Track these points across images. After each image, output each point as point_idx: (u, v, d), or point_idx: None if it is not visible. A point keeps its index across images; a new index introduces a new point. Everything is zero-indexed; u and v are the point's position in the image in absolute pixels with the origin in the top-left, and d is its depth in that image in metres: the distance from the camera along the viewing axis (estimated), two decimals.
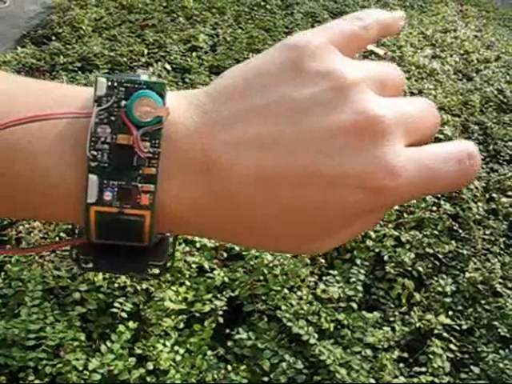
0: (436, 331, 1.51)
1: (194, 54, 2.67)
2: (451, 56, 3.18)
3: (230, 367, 1.31)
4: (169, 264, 0.28)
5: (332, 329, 1.42)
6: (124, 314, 1.34)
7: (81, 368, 1.22)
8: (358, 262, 1.63)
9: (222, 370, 1.30)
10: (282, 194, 0.24)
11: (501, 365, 1.43)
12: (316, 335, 1.38)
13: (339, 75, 0.25)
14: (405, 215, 1.86)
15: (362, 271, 1.60)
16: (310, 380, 1.34)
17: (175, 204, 0.25)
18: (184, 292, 1.43)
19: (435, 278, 1.67)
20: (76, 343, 1.27)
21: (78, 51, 2.56)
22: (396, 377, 1.38)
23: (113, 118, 0.24)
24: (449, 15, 4.01)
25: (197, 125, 0.24)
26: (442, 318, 1.54)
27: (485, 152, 2.31)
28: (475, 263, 1.74)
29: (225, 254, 1.58)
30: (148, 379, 1.26)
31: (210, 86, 0.26)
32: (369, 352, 1.40)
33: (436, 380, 1.39)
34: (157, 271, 0.28)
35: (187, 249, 1.55)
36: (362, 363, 1.37)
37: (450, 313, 1.58)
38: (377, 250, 1.69)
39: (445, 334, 1.51)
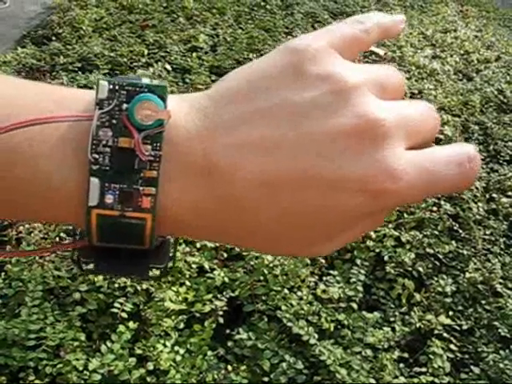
0: (436, 331, 1.51)
1: (194, 54, 2.67)
2: (451, 56, 3.18)
3: (230, 367, 1.31)
4: (169, 266, 0.28)
5: (332, 329, 1.42)
6: (124, 315, 1.34)
7: (81, 368, 1.22)
8: (359, 262, 1.63)
9: (222, 371, 1.30)
10: (283, 198, 0.24)
11: (501, 365, 1.43)
12: (316, 335, 1.38)
13: (339, 79, 0.25)
14: (405, 215, 1.86)
15: (363, 271, 1.60)
16: (310, 380, 1.34)
17: (176, 207, 0.25)
18: (184, 292, 1.43)
19: (435, 278, 1.67)
20: (76, 343, 1.27)
21: (78, 51, 2.56)
22: (396, 377, 1.38)
23: (114, 121, 0.24)
24: (449, 15, 4.01)
25: (198, 128, 0.24)
26: (443, 319, 1.54)
27: (485, 152, 2.31)
28: (475, 263, 1.74)
29: (225, 255, 1.58)
30: (148, 379, 1.26)
31: (212, 89, 0.26)
32: (369, 352, 1.40)
33: (436, 380, 1.39)
34: (158, 273, 0.28)
35: (187, 249, 1.55)
36: (363, 363, 1.37)
37: (451, 313, 1.58)
38: (377, 250, 1.69)
39: (445, 335, 1.51)
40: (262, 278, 1.51)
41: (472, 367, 1.46)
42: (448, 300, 1.61)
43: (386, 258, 1.67)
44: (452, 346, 1.50)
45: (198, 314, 1.41)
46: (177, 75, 2.47)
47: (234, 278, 1.51)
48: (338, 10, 3.61)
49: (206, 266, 1.52)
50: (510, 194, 2.06)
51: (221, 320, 1.40)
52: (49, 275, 1.40)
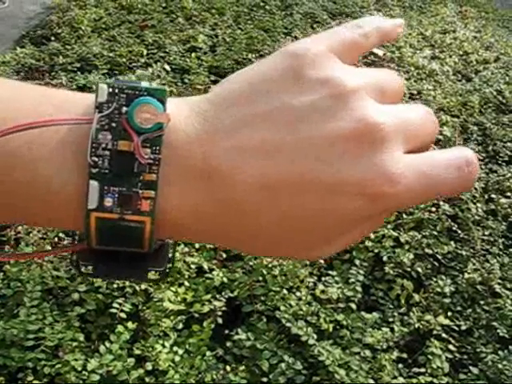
0: (435, 332, 1.51)
1: (193, 54, 2.67)
2: (450, 57, 3.18)
3: (228, 368, 1.31)
4: (169, 267, 0.28)
5: (331, 329, 1.42)
6: (123, 315, 1.34)
7: (80, 368, 1.22)
8: (357, 262, 1.63)
9: (220, 371, 1.30)
10: (283, 202, 0.24)
11: (500, 365, 1.43)
12: (315, 336, 1.38)
13: (338, 83, 0.25)
14: (404, 216, 1.86)
15: (361, 272, 1.60)
16: (309, 380, 1.34)
17: (176, 211, 0.25)
18: (183, 293, 1.43)
19: (434, 279, 1.67)
20: (75, 344, 1.27)
21: (78, 52, 2.56)
22: (395, 377, 1.38)
23: (114, 125, 0.24)
24: (448, 16, 4.01)
25: (198, 132, 0.25)
26: (441, 319, 1.54)
27: (484, 153, 2.31)
28: (474, 264, 1.74)
29: (224, 255, 1.58)
30: (147, 380, 1.26)
31: (212, 93, 0.26)
32: (368, 352, 1.40)
33: (435, 381, 1.39)
34: (157, 276, 0.28)
35: (186, 249, 1.55)
36: (361, 364, 1.37)
37: (449, 313, 1.58)
38: (376, 251, 1.69)
39: (444, 335, 1.51)
40: (260, 278, 1.51)
41: (471, 367, 1.46)
42: (447, 300, 1.61)
43: (384, 258, 1.67)
44: (451, 347, 1.50)
45: (196, 315, 1.41)
46: (176, 75, 2.47)
47: (233, 279, 1.51)
48: (337, 11, 3.61)
49: (205, 266, 1.52)
50: (508, 194, 2.06)
51: (220, 320, 1.40)
52: (47, 275, 1.40)
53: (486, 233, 1.88)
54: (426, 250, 1.75)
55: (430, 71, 2.91)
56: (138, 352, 1.29)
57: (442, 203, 1.93)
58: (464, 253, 1.77)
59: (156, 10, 3.15)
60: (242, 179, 0.24)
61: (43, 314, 1.31)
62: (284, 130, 0.24)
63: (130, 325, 1.31)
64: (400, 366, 1.42)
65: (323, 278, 1.59)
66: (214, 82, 2.42)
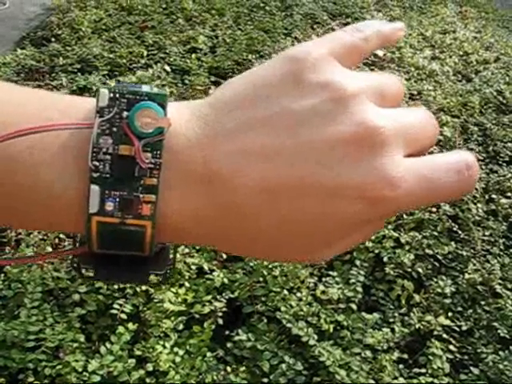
0: (435, 332, 1.51)
1: (193, 55, 2.67)
2: (450, 57, 3.18)
3: (229, 368, 1.31)
4: (169, 272, 0.28)
5: (331, 330, 1.42)
6: (123, 316, 1.34)
7: (80, 369, 1.22)
8: (358, 263, 1.63)
9: (221, 372, 1.30)
10: (282, 205, 0.24)
11: (500, 366, 1.43)
12: (315, 336, 1.38)
13: (339, 87, 0.25)
14: (404, 216, 1.86)
15: (362, 272, 1.60)
16: (309, 381, 1.34)
17: (176, 215, 0.25)
18: (183, 293, 1.43)
19: (435, 279, 1.67)
20: (75, 345, 1.27)
21: (78, 53, 2.56)
22: (395, 378, 1.38)
23: (114, 129, 0.24)
24: (448, 16, 4.01)
25: (198, 136, 0.25)
26: (442, 319, 1.54)
27: (484, 153, 2.31)
28: (475, 264, 1.74)
29: (224, 256, 1.58)
30: (147, 380, 1.26)
31: (212, 97, 0.26)
32: (368, 353, 1.40)
33: (436, 381, 1.39)
34: (158, 279, 0.28)
35: (186, 250, 1.55)
36: (362, 364, 1.37)
37: (450, 314, 1.58)
38: (376, 251, 1.69)
39: (444, 335, 1.51)
40: (261, 279, 1.51)
41: (471, 368, 1.46)
42: (447, 301, 1.61)
43: (385, 259, 1.67)
44: (451, 347, 1.50)
45: (197, 315, 1.41)
46: (176, 76, 2.47)
47: (234, 279, 1.51)
48: (337, 11, 3.61)
49: (206, 267, 1.52)
50: (509, 194, 2.06)
51: (220, 321, 1.40)
52: (48, 277, 1.40)
53: (487, 233, 1.88)
54: (427, 251, 1.74)
55: (430, 71, 2.91)
56: (138, 353, 1.29)
57: (442, 204, 1.92)
58: (464, 253, 1.77)
59: (156, 11, 3.16)
60: (243, 183, 0.24)
61: (44, 315, 1.31)
62: (284, 134, 0.24)
63: (130, 326, 1.31)
64: (401, 366, 1.42)
65: (324, 279, 1.59)
66: (214, 83, 2.42)
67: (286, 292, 1.48)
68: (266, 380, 1.32)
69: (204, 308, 1.41)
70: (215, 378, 1.28)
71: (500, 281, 1.69)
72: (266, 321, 1.43)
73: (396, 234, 1.76)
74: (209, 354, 1.32)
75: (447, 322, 1.54)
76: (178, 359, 1.29)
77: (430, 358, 1.44)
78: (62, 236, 1.56)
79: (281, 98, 0.25)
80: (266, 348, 1.36)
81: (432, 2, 4.38)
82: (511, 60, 3.27)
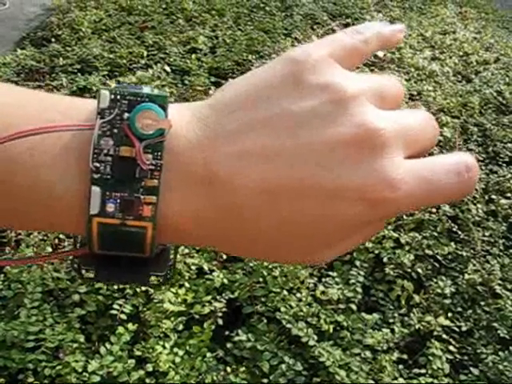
0: (435, 333, 1.51)
1: (193, 55, 2.67)
2: (450, 58, 3.18)
3: (229, 369, 1.31)
4: (170, 271, 0.28)
5: (331, 330, 1.42)
6: (123, 316, 1.34)
7: (80, 370, 1.22)
8: (358, 263, 1.64)
9: (221, 372, 1.30)
10: (282, 207, 0.25)
11: (500, 366, 1.43)
12: (315, 337, 1.38)
13: (339, 88, 0.25)
14: (404, 217, 1.86)
15: (362, 273, 1.60)
16: (309, 382, 1.34)
17: (177, 216, 0.25)
18: (183, 294, 1.43)
19: (434, 280, 1.67)
20: (75, 345, 1.27)
21: (78, 53, 2.56)
22: (395, 378, 1.38)
23: (115, 131, 0.24)
24: (448, 17, 4.01)
25: (199, 138, 0.25)
26: (442, 320, 1.54)
27: (484, 154, 2.31)
28: (474, 265, 1.74)
29: (224, 256, 1.59)
30: (147, 381, 1.26)
31: (213, 99, 0.26)
32: (368, 354, 1.40)
33: (435, 381, 1.39)
34: (159, 280, 0.28)
35: (186, 251, 1.55)
36: (362, 365, 1.37)
37: (450, 314, 1.58)
38: (376, 252, 1.69)
39: (444, 336, 1.51)
40: (261, 279, 1.51)
41: (471, 368, 1.46)
42: (447, 301, 1.61)
43: (385, 259, 1.67)
44: (451, 348, 1.50)
45: (197, 316, 1.41)
46: (176, 77, 2.47)
47: (233, 280, 1.51)
48: (337, 12, 3.61)
49: (205, 267, 1.52)
50: (509, 195, 2.06)
51: (220, 321, 1.40)
52: (48, 277, 1.40)
53: (487, 234, 1.88)
54: (427, 251, 1.75)
55: (430, 72, 2.91)
56: (138, 353, 1.29)
57: (442, 204, 1.93)
58: (464, 254, 1.77)
59: (156, 12, 3.16)
60: (243, 184, 0.24)
61: (44, 316, 1.31)
62: (284, 136, 0.24)
63: (130, 326, 1.31)
64: (400, 366, 1.42)
65: (323, 279, 1.59)
66: (214, 84, 2.42)
67: (285, 292, 1.48)
68: (265, 380, 1.32)
69: (204, 308, 1.41)
70: (215, 378, 1.28)
71: (500, 281, 1.69)
72: (265, 321, 1.43)
73: (396, 235, 1.76)
74: (209, 354, 1.32)
75: (447, 323, 1.54)
76: (177, 359, 1.29)
77: (430, 358, 1.44)
78: (61, 236, 1.56)
79: (281, 100, 0.25)
80: (266, 348, 1.36)
81: (432, 2, 4.38)
82: (511, 61, 3.27)
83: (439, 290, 1.63)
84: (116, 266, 0.27)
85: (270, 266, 1.53)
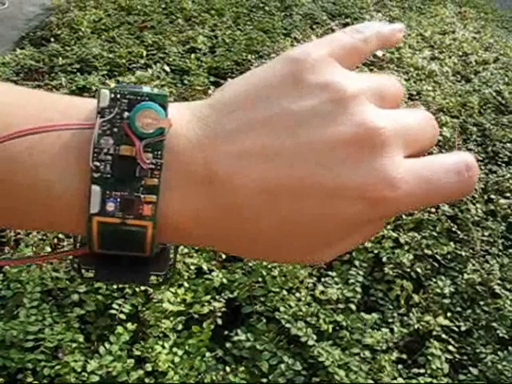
0: (435, 332, 1.51)
1: (192, 55, 2.67)
2: (450, 58, 3.18)
3: (228, 369, 1.31)
4: (170, 271, 0.28)
5: (330, 330, 1.42)
6: (122, 316, 1.34)
7: (79, 369, 1.22)
8: (357, 263, 1.64)
9: (220, 372, 1.30)
10: (282, 206, 0.25)
11: (499, 366, 1.44)
12: (314, 336, 1.38)
13: (339, 88, 0.25)
14: (403, 217, 1.86)
15: (361, 272, 1.60)
16: (308, 381, 1.34)
17: (177, 216, 0.25)
18: (182, 293, 1.43)
19: (434, 280, 1.67)
20: (74, 345, 1.27)
21: (77, 53, 2.56)
22: (395, 378, 1.38)
23: (115, 130, 0.24)
24: (447, 17, 4.01)
25: (199, 137, 0.25)
26: (441, 320, 1.54)
27: (483, 153, 2.31)
28: (474, 264, 1.74)
29: (223, 256, 1.58)
30: (146, 381, 1.26)
31: (212, 98, 0.26)
32: (367, 353, 1.40)
33: (434, 381, 1.39)
34: (159, 279, 0.28)
35: (186, 250, 1.55)
36: (361, 364, 1.37)
37: (449, 314, 1.58)
38: (375, 252, 1.69)
39: (443, 336, 1.51)
40: (260, 279, 1.51)
41: (470, 368, 1.46)
42: (446, 301, 1.61)
43: (384, 259, 1.67)
44: (450, 347, 1.50)
45: (196, 316, 1.41)
46: (175, 76, 2.47)
47: (233, 280, 1.51)
48: (336, 12, 3.61)
49: (205, 267, 1.52)
50: (508, 195, 2.06)
51: (219, 321, 1.40)
52: (47, 277, 1.40)
53: (486, 233, 1.88)
54: (426, 251, 1.75)
55: (429, 72, 2.91)
56: (137, 353, 1.29)
57: (441, 204, 1.93)
58: (463, 253, 1.78)
59: (155, 11, 3.15)
60: (243, 184, 0.24)
61: (43, 315, 1.31)
62: (283, 135, 0.24)
63: (129, 326, 1.31)
64: (400, 366, 1.42)
65: (323, 279, 1.59)
66: (214, 83, 2.42)
67: (285, 292, 1.48)
68: (265, 380, 1.32)
69: (203, 308, 1.41)
70: (214, 378, 1.28)
71: (499, 281, 1.69)
72: (265, 321, 1.43)
73: (395, 235, 1.76)
74: (208, 354, 1.32)
75: (446, 322, 1.54)
76: (177, 359, 1.29)
77: (429, 358, 1.44)
78: (61, 236, 1.56)
79: (281, 99, 0.25)
80: (265, 348, 1.36)
81: (431, 2, 4.38)
82: (510, 60, 3.27)
83: (438, 290, 1.63)
84: (116, 266, 0.27)
85: (270, 266, 1.53)
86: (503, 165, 2.25)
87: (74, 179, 0.24)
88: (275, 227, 0.25)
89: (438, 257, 1.75)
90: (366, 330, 1.46)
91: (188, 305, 1.42)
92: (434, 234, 1.81)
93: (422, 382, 1.38)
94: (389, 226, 1.79)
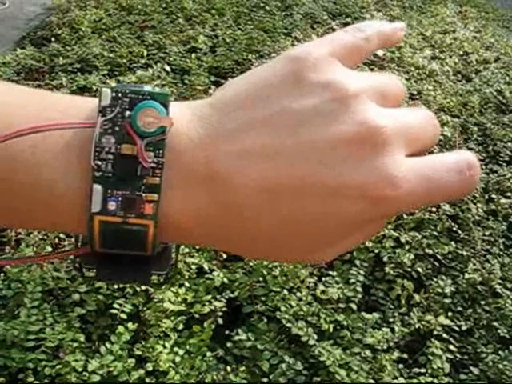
0: (435, 332, 1.51)
1: (193, 55, 2.67)
2: (450, 57, 3.18)
3: (229, 368, 1.31)
4: (171, 270, 0.28)
5: (331, 330, 1.42)
6: (123, 315, 1.34)
7: (80, 369, 1.22)
8: (358, 262, 1.64)
9: (221, 371, 1.30)
10: (282, 205, 0.25)
11: (500, 366, 1.44)
12: (315, 336, 1.38)
13: (340, 86, 0.25)
14: (404, 216, 1.86)
15: (362, 272, 1.60)
16: (309, 381, 1.34)
17: (178, 215, 0.25)
18: (183, 293, 1.43)
19: (435, 279, 1.67)
20: (75, 344, 1.27)
21: (78, 52, 2.56)
22: (395, 378, 1.38)
23: (117, 129, 0.24)
24: (448, 16, 4.01)
25: (200, 136, 0.25)
26: (442, 319, 1.54)
27: (484, 153, 2.31)
28: (474, 264, 1.74)
29: (224, 255, 1.58)
30: (147, 380, 1.26)
31: (213, 98, 0.26)
32: (368, 353, 1.40)
33: (435, 381, 1.39)
34: (160, 279, 0.28)
35: (186, 250, 1.55)
36: (362, 364, 1.37)
37: (450, 314, 1.58)
38: (376, 251, 1.69)
39: (444, 335, 1.51)
40: (261, 278, 1.51)
41: (471, 368, 1.46)
42: (447, 301, 1.61)
43: (385, 258, 1.67)
44: (451, 347, 1.50)
45: (197, 315, 1.41)
46: (176, 76, 2.47)
47: (234, 279, 1.51)
48: (337, 11, 3.61)
49: (206, 266, 1.52)
50: (509, 194, 2.06)
51: (220, 321, 1.40)
52: (48, 276, 1.40)
53: (487, 233, 1.88)
54: (427, 251, 1.75)
55: (430, 71, 2.91)
56: (138, 352, 1.29)
57: (442, 203, 1.92)
58: (464, 253, 1.77)
59: (156, 11, 3.15)
60: (244, 183, 0.24)
61: (44, 315, 1.31)
62: (284, 134, 0.24)
63: (130, 325, 1.31)
64: (400, 366, 1.42)
65: (324, 279, 1.59)
66: (214, 83, 2.42)
67: (285, 292, 1.48)
68: (265, 380, 1.32)
69: (204, 308, 1.41)
70: (215, 377, 1.28)
71: (500, 280, 1.69)
72: (265, 320, 1.43)
73: (396, 234, 1.76)
74: (209, 353, 1.32)
75: (447, 322, 1.54)
76: (177, 359, 1.29)
77: (430, 357, 1.44)
78: (61, 236, 1.56)
79: (281, 98, 0.25)
80: (266, 348, 1.36)
81: (432, 1, 4.38)
82: (511, 60, 3.27)
83: (439, 290, 1.63)
84: (117, 265, 0.27)
85: (270, 266, 1.53)
86: (504, 164, 2.25)
87: (76, 178, 0.24)
88: (276, 226, 0.25)
89: (438, 256, 1.75)
90: (367, 329, 1.46)
91: (189, 304, 1.42)
92: (435, 233, 1.81)
93: (422, 381, 1.38)
94: (390, 226, 1.79)
